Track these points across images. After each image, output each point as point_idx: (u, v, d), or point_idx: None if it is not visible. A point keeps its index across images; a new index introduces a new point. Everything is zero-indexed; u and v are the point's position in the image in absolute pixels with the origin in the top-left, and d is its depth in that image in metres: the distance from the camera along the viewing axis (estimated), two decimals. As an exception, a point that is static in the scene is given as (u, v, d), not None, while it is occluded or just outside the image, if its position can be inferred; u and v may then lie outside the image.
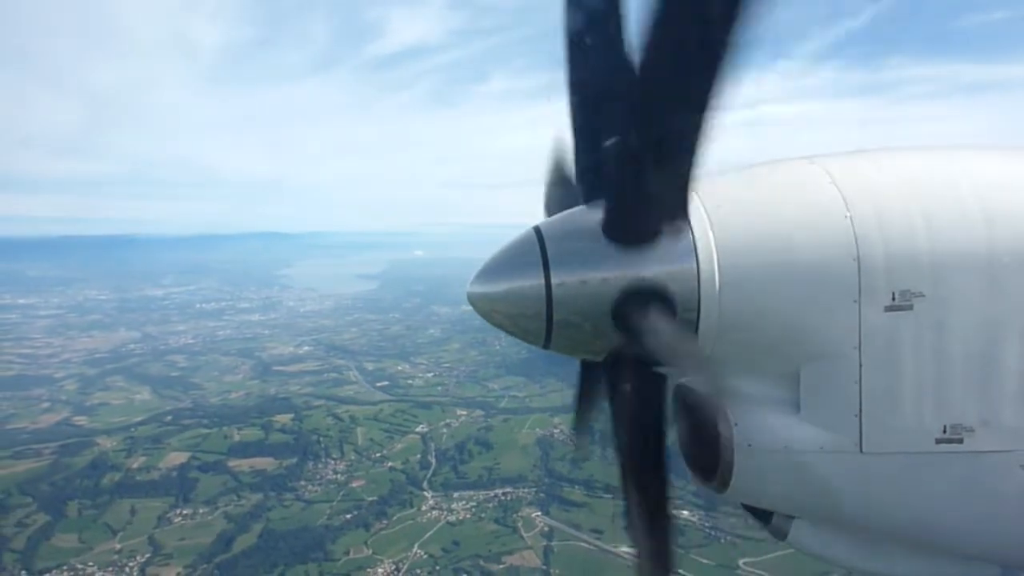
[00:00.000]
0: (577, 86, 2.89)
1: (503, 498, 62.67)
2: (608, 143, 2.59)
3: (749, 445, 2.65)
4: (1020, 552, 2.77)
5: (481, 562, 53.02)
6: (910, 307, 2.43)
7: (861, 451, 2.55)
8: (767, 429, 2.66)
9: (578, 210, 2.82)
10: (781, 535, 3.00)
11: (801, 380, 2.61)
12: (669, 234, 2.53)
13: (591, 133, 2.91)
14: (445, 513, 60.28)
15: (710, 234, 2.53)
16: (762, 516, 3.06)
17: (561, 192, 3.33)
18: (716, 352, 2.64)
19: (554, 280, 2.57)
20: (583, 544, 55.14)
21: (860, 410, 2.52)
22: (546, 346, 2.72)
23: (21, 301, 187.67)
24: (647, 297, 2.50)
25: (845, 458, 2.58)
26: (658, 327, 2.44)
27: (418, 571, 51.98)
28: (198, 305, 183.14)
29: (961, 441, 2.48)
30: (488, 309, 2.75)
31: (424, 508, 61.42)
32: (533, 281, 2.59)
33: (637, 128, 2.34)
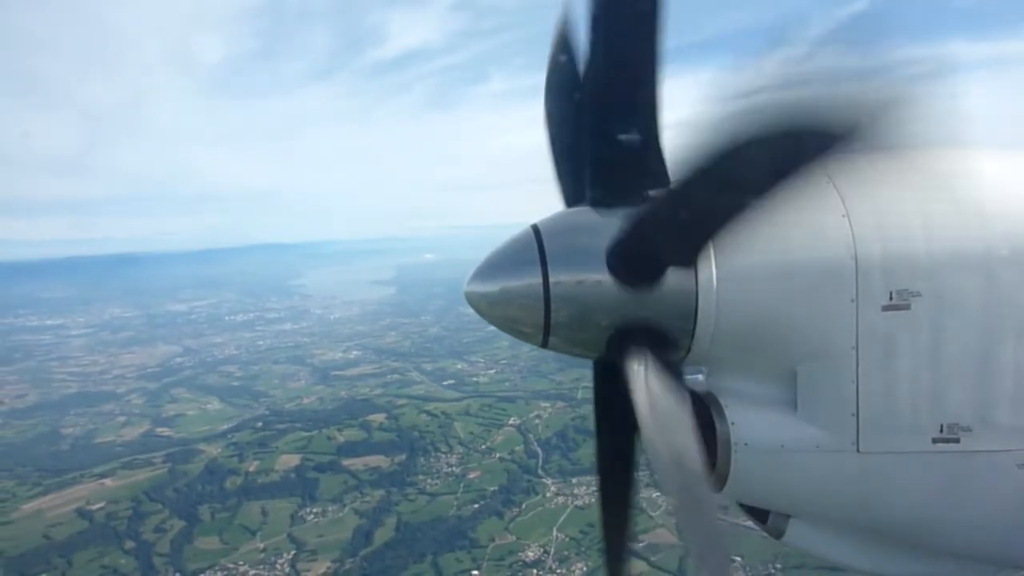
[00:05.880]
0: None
1: (621, 481, 64.11)
2: (624, 137, 2.55)
3: (746, 444, 2.67)
4: (1017, 552, 2.77)
5: (620, 541, 54.78)
6: (907, 307, 2.42)
7: (858, 450, 2.54)
8: (764, 428, 2.68)
9: (576, 210, 2.81)
10: (778, 534, 3.00)
11: (798, 379, 2.61)
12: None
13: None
14: (570, 498, 61.38)
15: None
16: (759, 515, 3.07)
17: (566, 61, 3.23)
18: (713, 351, 2.67)
19: (552, 279, 2.56)
20: (709, 520, 56.67)
21: (857, 409, 2.51)
22: (544, 344, 2.71)
23: (48, 322, 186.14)
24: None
25: (842, 458, 2.57)
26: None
27: (566, 552, 53.51)
28: (226, 317, 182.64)
29: (958, 441, 2.47)
30: (486, 308, 2.74)
31: (548, 495, 62.64)
32: (531, 280, 2.58)
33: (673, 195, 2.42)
